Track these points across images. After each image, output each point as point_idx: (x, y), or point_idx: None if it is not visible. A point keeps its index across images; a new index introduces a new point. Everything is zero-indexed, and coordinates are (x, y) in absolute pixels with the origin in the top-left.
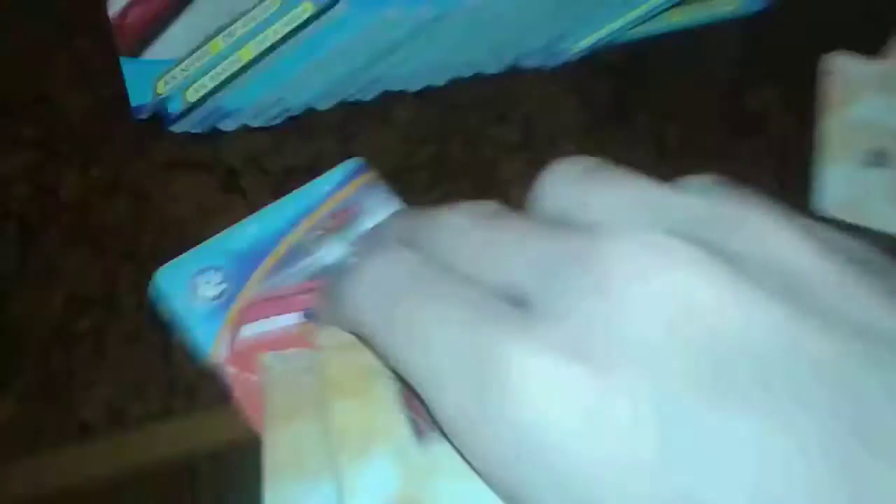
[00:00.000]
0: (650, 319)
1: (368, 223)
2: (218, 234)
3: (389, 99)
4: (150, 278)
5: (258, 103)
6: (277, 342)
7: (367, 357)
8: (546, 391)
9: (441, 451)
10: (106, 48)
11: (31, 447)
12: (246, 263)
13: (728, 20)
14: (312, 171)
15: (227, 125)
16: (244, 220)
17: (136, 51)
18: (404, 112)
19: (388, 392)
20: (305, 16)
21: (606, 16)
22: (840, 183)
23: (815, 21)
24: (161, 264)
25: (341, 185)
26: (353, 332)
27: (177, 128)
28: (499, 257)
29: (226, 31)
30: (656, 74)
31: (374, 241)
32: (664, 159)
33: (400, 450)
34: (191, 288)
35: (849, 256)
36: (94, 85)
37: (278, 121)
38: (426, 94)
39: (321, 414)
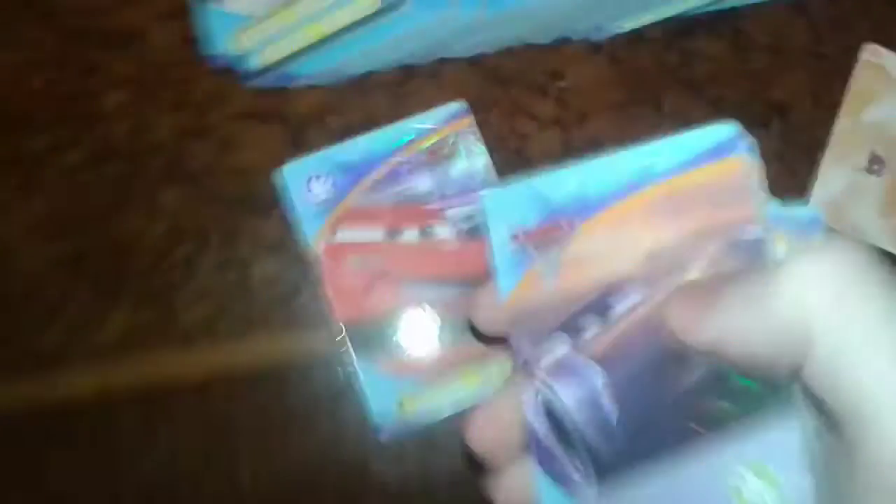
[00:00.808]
0: None
1: (459, 164)
2: (334, 146)
3: (442, 62)
4: (233, 219)
5: (325, 70)
6: (363, 248)
7: None
8: None
9: None
10: None
11: (142, 348)
12: (351, 177)
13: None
14: (367, 128)
15: (295, 84)
16: (357, 139)
17: None
18: (455, 77)
19: None
20: (371, 9)
21: (660, 2)
22: (835, 183)
23: (867, 8)
24: (242, 208)
25: (442, 123)
26: None
27: (252, 83)
28: None
29: (299, 5)
30: (696, 54)
31: None
32: None
33: None
34: (306, 187)
35: None
36: (180, 22)
37: (340, 81)
38: (476, 60)
39: None
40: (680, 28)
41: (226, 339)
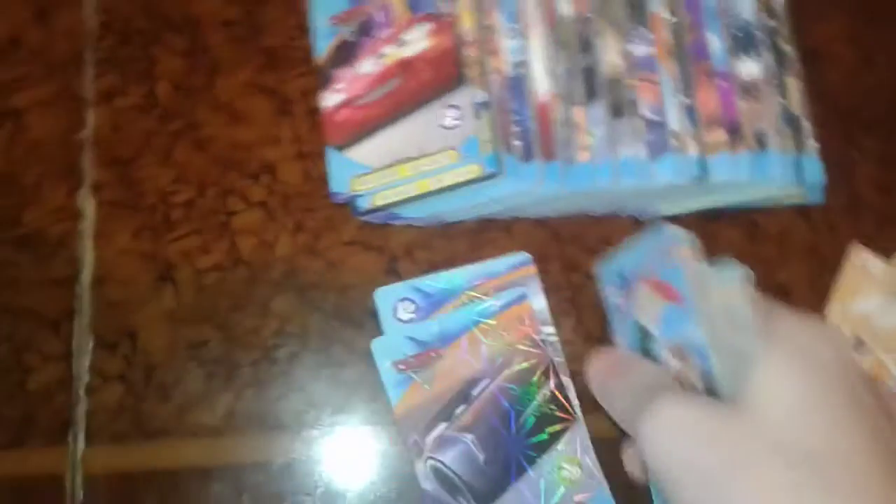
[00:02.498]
0: None
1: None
2: (419, 277)
3: (515, 219)
4: (331, 327)
5: (423, 217)
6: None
7: None
8: None
9: None
10: (317, 133)
11: (239, 430)
12: (430, 303)
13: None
14: (448, 265)
15: (396, 223)
16: (441, 273)
17: (341, 145)
18: (524, 232)
19: None
20: (473, 174)
21: (692, 200)
22: None
23: (855, 217)
24: (339, 320)
25: (511, 269)
26: None
27: (362, 218)
28: None
29: (412, 163)
30: (717, 237)
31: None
32: None
33: None
34: (393, 308)
35: None
36: (306, 162)
37: (432, 224)
38: (543, 221)
39: None
40: (707, 216)
41: (312, 428)
